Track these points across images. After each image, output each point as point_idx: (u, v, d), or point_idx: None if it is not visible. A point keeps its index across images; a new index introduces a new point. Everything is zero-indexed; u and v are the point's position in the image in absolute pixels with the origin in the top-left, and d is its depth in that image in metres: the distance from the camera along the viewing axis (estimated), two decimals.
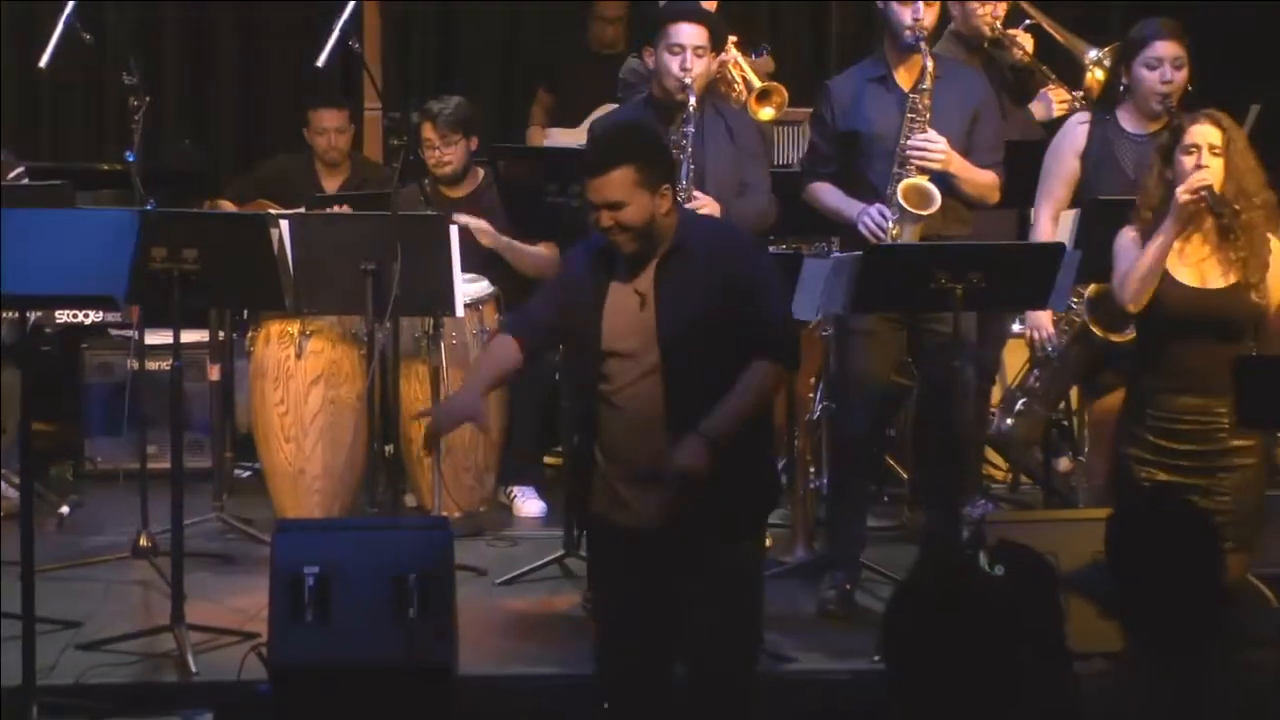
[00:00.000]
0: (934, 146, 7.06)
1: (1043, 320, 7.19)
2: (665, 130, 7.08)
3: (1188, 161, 6.06)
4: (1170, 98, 7.06)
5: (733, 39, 8.08)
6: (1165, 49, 7.07)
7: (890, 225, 7.02)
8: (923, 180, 7.06)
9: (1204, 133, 6.07)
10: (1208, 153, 6.04)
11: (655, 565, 5.40)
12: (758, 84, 8.18)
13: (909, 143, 7.07)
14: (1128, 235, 6.21)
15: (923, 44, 7.09)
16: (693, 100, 7.05)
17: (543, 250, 8.30)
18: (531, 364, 5.82)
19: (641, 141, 5.52)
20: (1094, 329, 6.85)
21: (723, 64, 7.99)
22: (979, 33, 8.17)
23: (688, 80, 7.07)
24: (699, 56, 7.11)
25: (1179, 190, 6.01)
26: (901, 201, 7.03)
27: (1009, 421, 7.43)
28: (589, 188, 5.39)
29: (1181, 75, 7.07)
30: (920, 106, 7.10)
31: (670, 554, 5.37)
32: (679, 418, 5.31)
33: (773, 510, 5.92)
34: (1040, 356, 7.30)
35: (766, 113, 8.15)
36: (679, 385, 5.34)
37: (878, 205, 7.07)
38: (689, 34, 7.12)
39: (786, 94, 8.23)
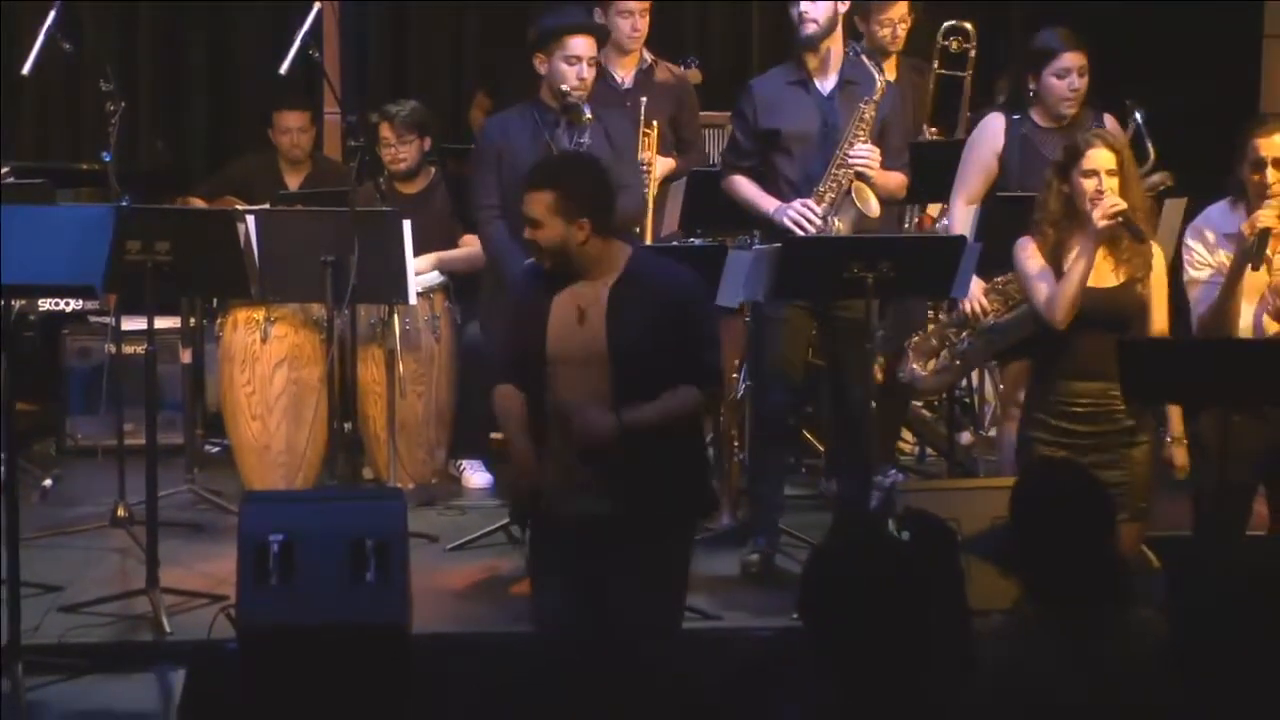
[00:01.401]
0: (874, 158, 7.09)
1: (974, 292, 7.13)
2: (552, 131, 7.08)
3: (1088, 185, 6.06)
4: (1076, 102, 7.13)
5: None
6: (1072, 60, 7.12)
7: (834, 220, 7.04)
8: (865, 186, 7.09)
9: (1101, 158, 6.08)
10: (1106, 176, 6.07)
11: (593, 553, 5.41)
12: None
13: (853, 151, 7.09)
14: (1030, 250, 6.19)
15: (868, 58, 7.15)
16: (588, 113, 7.04)
17: (472, 248, 8.32)
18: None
19: (570, 172, 5.48)
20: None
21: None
22: (882, 47, 8.19)
23: (583, 91, 7.07)
24: (591, 66, 7.12)
25: (1096, 215, 6.00)
26: (857, 201, 7.06)
27: (919, 371, 7.37)
28: (524, 200, 5.42)
29: (1085, 81, 7.14)
30: (867, 117, 7.12)
31: (607, 544, 5.39)
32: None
33: (706, 517, 5.96)
34: (982, 326, 7.24)
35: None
36: (624, 396, 5.33)
37: (800, 200, 7.08)
38: (583, 45, 7.12)
39: None
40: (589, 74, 7.11)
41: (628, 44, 8.06)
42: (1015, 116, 7.27)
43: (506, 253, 7.12)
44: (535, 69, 7.22)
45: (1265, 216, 6.15)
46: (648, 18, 8.13)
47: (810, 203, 7.06)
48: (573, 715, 5.49)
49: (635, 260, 5.44)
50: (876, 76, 7.14)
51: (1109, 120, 7.24)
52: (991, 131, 7.33)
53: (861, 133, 7.12)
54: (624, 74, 8.11)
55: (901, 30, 8.22)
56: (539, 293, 5.46)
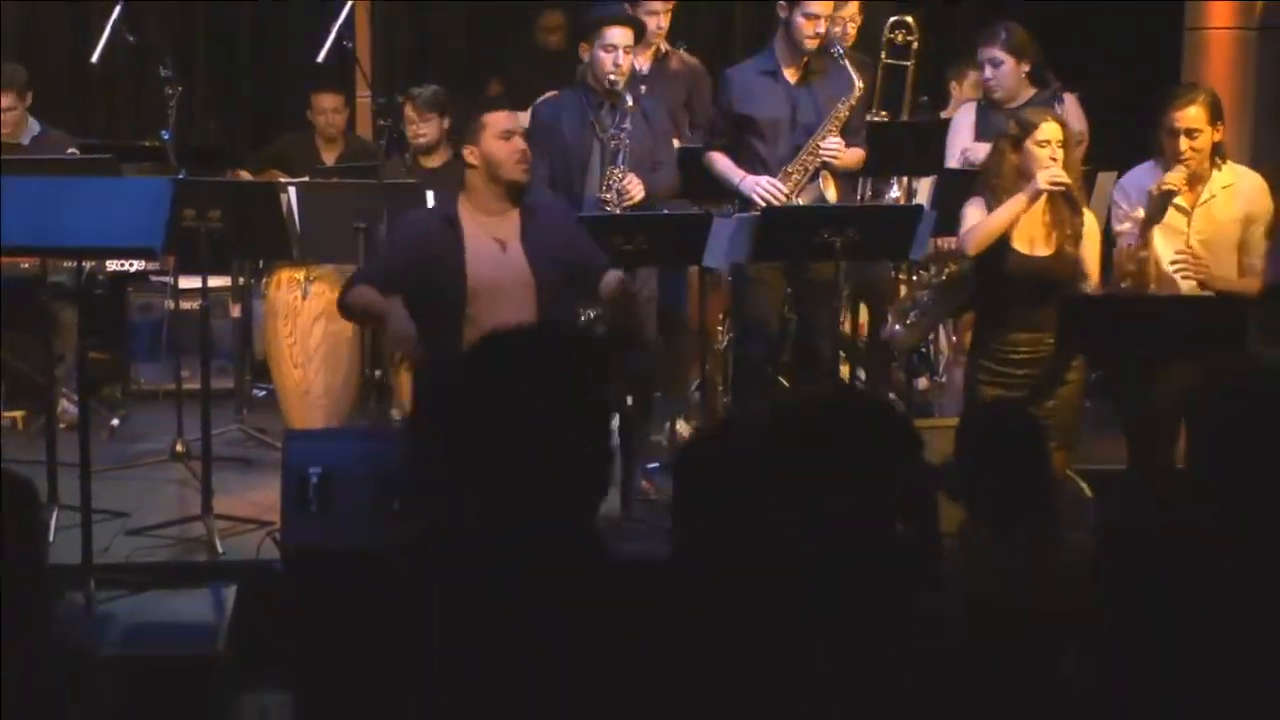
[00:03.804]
0: (840, 151, 7.14)
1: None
2: (597, 113, 7.06)
3: (1043, 153, 6.09)
4: (993, 91, 7.30)
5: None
6: (982, 53, 7.29)
7: (796, 199, 7.08)
8: (830, 176, 7.15)
9: (1054, 130, 6.13)
10: (1056, 147, 6.11)
11: None
12: None
13: (824, 144, 7.12)
14: (980, 206, 6.24)
15: (846, 61, 7.17)
16: (629, 100, 7.00)
17: None
18: None
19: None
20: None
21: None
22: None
23: (620, 76, 7.06)
24: (627, 54, 7.10)
25: (1041, 177, 6.05)
26: (822, 186, 7.11)
27: (898, 328, 7.43)
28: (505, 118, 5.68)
29: (999, 71, 7.24)
30: (842, 115, 7.14)
31: None
32: None
33: None
34: (935, 281, 7.34)
35: None
36: (548, 304, 5.53)
37: (766, 177, 7.11)
38: (620, 35, 7.07)
39: None
40: (625, 61, 7.05)
41: (649, 38, 8.04)
42: (983, 101, 7.47)
43: None
44: (579, 56, 7.21)
45: (1171, 179, 6.19)
46: (670, 16, 8.10)
47: (777, 181, 7.10)
48: None
49: (529, 197, 5.75)
50: (855, 78, 7.16)
51: (1070, 99, 7.27)
52: (967, 115, 7.54)
53: (835, 127, 7.14)
54: (641, 62, 8.06)
55: (851, 28, 8.16)
56: (447, 231, 5.61)
